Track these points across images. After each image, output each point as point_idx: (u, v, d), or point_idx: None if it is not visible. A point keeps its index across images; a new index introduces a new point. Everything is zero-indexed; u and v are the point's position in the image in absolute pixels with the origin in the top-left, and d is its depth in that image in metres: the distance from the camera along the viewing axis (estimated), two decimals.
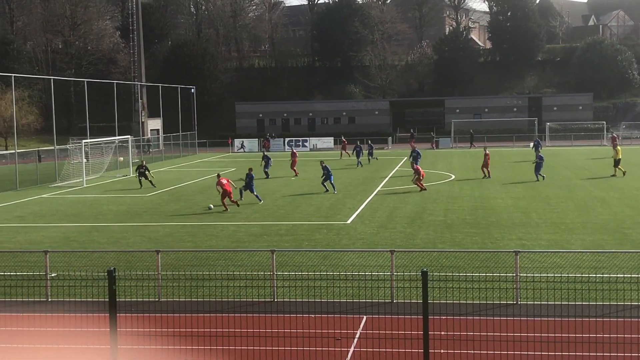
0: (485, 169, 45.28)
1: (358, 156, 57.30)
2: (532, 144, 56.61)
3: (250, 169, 36.62)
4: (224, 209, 32.58)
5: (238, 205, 33.67)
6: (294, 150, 52.49)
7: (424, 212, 30.71)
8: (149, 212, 33.23)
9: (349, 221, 28.92)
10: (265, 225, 28.42)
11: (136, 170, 44.66)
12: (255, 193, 35.41)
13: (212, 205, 33.92)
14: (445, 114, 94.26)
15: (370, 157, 60.02)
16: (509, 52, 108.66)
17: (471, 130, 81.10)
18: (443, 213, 30.42)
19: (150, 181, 44.13)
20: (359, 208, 32.58)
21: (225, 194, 32.71)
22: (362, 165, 55.65)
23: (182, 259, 21.14)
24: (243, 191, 35.79)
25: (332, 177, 39.81)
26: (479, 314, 14.91)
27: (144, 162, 45.51)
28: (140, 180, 43.80)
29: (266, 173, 48.31)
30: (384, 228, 26.96)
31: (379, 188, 40.61)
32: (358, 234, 25.93)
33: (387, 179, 45.87)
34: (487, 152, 45.83)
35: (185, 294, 17.13)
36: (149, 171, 44.46)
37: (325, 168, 39.94)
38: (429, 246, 23.12)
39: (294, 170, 49.85)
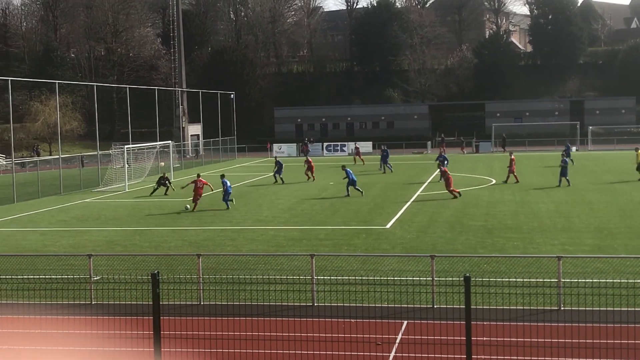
0: (512, 174, 45.14)
1: (385, 161, 54.77)
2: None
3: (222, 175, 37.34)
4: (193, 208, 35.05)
5: (191, 209, 35.18)
6: (309, 158, 51.65)
7: (464, 217, 30.47)
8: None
9: (388, 226, 28.81)
10: (305, 230, 28.44)
11: (158, 181, 44.86)
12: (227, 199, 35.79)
13: (188, 206, 35.65)
14: (485, 117, 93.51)
15: (383, 164, 54.90)
16: (550, 56, 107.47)
17: (503, 135, 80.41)
18: (484, 218, 30.15)
19: (166, 190, 43.68)
20: (398, 213, 32.44)
21: (196, 194, 35.18)
22: (392, 170, 54.22)
23: (222, 262, 21.26)
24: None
25: (355, 181, 39.99)
26: (522, 320, 14.74)
27: (166, 174, 45.71)
28: (155, 188, 43.47)
29: (281, 179, 48.29)
30: (423, 233, 26.80)
31: (418, 193, 40.40)
32: (397, 238, 25.81)
33: (426, 183, 45.63)
34: (513, 156, 45.77)
35: (225, 297, 17.21)
36: (170, 183, 44.20)
37: (346, 172, 40.31)
38: (469, 251, 22.93)
39: (309, 175, 49.22)
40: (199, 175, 36.63)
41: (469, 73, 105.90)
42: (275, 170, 48.62)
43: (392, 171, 54.24)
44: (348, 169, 40.92)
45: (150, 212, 35.33)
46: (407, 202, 36.31)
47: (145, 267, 20.46)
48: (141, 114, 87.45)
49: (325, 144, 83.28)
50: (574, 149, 72.49)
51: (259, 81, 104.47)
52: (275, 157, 53.33)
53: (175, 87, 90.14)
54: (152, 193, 43.16)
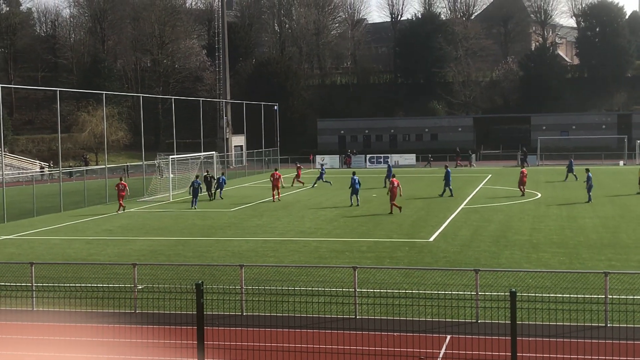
0: (521, 187, 45.22)
1: (389, 175, 52.83)
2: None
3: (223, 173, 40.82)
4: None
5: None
6: (298, 165, 52.64)
7: (509, 231, 30.15)
8: (232, 227, 33.67)
9: (431, 239, 28.63)
10: (347, 242, 28.39)
11: (206, 181, 47.52)
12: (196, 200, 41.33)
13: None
14: (531, 131, 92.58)
15: (387, 180, 52.69)
16: (597, 69, 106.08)
17: (524, 149, 79.52)
18: (529, 232, 29.79)
19: (208, 190, 46.69)
20: (441, 226, 32.22)
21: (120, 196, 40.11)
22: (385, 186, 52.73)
23: (264, 273, 21.32)
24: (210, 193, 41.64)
25: (358, 190, 40.61)
26: (568, 336, 14.50)
27: (209, 172, 48.89)
28: (211, 192, 46.65)
29: (327, 182, 51.93)
30: (467, 247, 26.57)
31: (462, 206, 40.10)
32: (441, 252, 25.63)
33: (470, 196, 45.27)
34: (524, 170, 45.95)
35: (268, 308, 17.24)
36: (212, 182, 46.94)
37: (352, 180, 40.64)
38: (514, 266, 22.66)
39: (297, 181, 50.69)
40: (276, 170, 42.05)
41: (514, 85, 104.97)
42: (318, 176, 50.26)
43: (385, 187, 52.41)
44: (355, 177, 41.19)
45: (193, 222, 35.62)
46: (450, 215, 36.05)
47: (189, 277, 20.62)
48: (186, 125, 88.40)
49: (368, 156, 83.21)
50: (621, 163, 71.35)
51: (302, 93, 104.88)
52: (322, 165, 54.46)
53: (219, 99, 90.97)
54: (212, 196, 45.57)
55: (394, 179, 38.97)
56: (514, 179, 57.77)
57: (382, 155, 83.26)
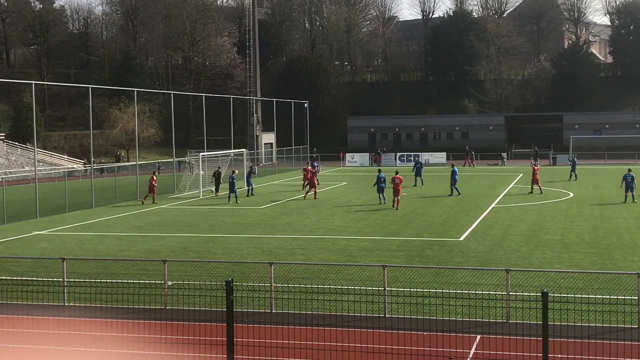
0: (535, 185, 45.47)
1: (418, 174, 53.01)
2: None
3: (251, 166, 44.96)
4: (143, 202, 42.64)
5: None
6: (309, 168, 48.57)
7: (541, 231, 29.90)
8: (262, 224, 33.78)
9: (461, 238, 28.50)
10: (376, 240, 28.36)
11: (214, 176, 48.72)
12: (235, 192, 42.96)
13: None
14: (563, 129, 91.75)
15: (417, 177, 53.27)
16: (631, 67, 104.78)
17: (535, 148, 78.61)
18: (560, 232, 29.52)
19: (216, 187, 47.69)
20: (472, 225, 32.06)
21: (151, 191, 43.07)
22: (423, 184, 52.63)
23: (294, 271, 21.35)
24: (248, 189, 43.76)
25: (384, 188, 40.68)
26: (601, 338, 14.35)
27: (220, 168, 49.68)
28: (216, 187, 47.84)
29: (421, 180, 52.71)
30: (498, 246, 26.41)
31: (493, 205, 39.85)
32: (471, 251, 25.49)
33: (501, 195, 44.98)
34: (536, 167, 46.11)
35: (297, 306, 17.27)
36: (219, 183, 47.91)
37: (377, 178, 40.73)
38: (545, 266, 22.47)
39: (309, 193, 46.13)
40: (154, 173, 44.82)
41: (546, 84, 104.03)
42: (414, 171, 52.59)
43: (423, 184, 52.39)
44: (381, 174, 41.20)
45: (223, 219, 35.79)
46: (481, 214, 35.85)
47: (218, 274, 20.71)
48: (216, 122, 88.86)
49: (398, 154, 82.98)
50: None
51: (332, 90, 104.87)
52: (417, 159, 55.09)
53: (249, 96, 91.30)
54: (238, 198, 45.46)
55: (398, 175, 39.88)
56: (546, 178, 57.23)
57: (412, 153, 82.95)
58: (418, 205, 40.64)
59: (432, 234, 29.73)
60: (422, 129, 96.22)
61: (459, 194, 45.25)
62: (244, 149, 59.09)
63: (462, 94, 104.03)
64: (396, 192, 39.31)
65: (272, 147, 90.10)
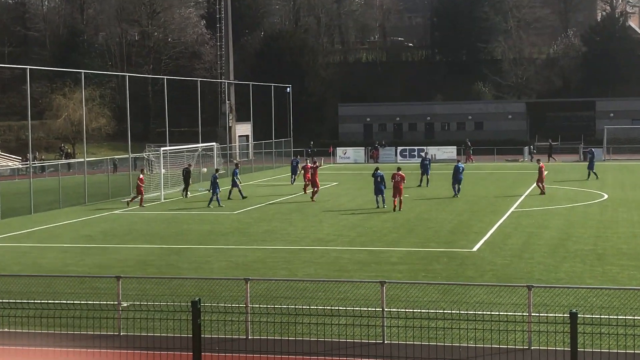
0: (540, 184, 46.03)
1: (425, 171, 53.11)
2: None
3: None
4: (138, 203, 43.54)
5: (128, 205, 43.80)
6: (310, 165, 48.71)
7: (569, 239, 30.02)
8: (236, 232, 33.74)
9: (475, 248, 28.57)
10: (374, 252, 28.38)
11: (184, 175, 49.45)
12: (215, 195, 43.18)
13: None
14: (596, 118, 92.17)
15: (424, 175, 53.52)
16: None
17: (550, 141, 78.95)
18: (593, 241, 29.65)
19: (185, 193, 48.51)
20: (487, 232, 32.14)
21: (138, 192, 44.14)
22: (428, 183, 52.64)
23: (274, 289, 21.34)
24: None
25: (383, 188, 40.59)
26: None
27: (191, 166, 50.35)
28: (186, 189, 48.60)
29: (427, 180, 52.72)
30: (518, 258, 26.49)
31: (512, 209, 39.98)
32: (487, 264, 25.57)
33: (522, 197, 45.14)
34: (542, 164, 46.76)
35: (278, 331, 17.27)
36: (189, 182, 48.73)
37: (375, 176, 40.76)
38: (575, 281, 22.56)
39: (309, 190, 47.15)
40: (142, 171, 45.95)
41: (576, 64, 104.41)
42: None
43: (428, 185, 52.51)
44: (379, 172, 41.19)
45: (189, 227, 35.73)
46: (498, 220, 35.95)
47: (184, 293, 20.68)
48: (181, 111, 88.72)
49: (399, 149, 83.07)
50: None
51: (320, 72, 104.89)
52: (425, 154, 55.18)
53: (221, 79, 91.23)
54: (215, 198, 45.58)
55: (400, 172, 40.47)
56: (575, 176, 57.48)
57: (415, 147, 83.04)
58: (423, 209, 40.70)
59: (440, 244, 29.78)
60: (428, 118, 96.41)
61: (455, 194, 45.47)
62: (214, 143, 59.05)
63: (476, 76, 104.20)
64: (397, 192, 39.64)
65: (248, 141, 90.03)
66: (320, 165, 48.66)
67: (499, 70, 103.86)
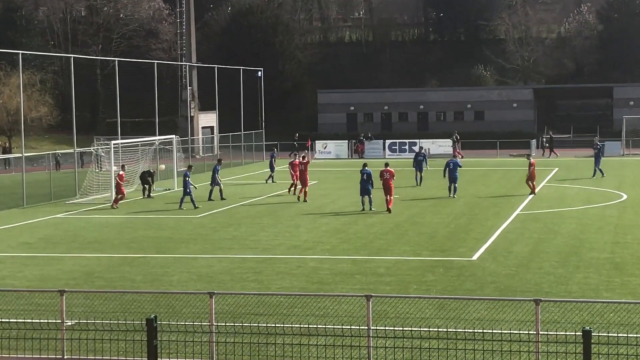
0: (530, 183, 46.35)
1: (419, 168, 53.19)
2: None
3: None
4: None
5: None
6: (298, 160, 48.11)
7: (583, 246, 30.15)
8: (199, 239, 33.69)
9: (474, 257, 28.63)
10: (358, 261, 28.40)
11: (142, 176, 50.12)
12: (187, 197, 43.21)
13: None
14: (613, 107, 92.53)
15: (418, 172, 53.52)
16: None
17: (550, 133, 79.34)
18: (610, 248, 29.79)
19: (149, 193, 49.08)
20: (489, 238, 32.23)
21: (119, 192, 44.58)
22: (420, 182, 52.81)
23: (244, 305, 21.30)
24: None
25: (370, 188, 40.59)
26: None
27: (153, 170, 51.26)
28: (144, 188, 49.28)
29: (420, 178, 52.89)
30: (525, 267, 26.58)
31: (517, 211, 40.11)
32: (488, 275, 25.63)
33: (528, 198, 45.28)
34: (532, 160, 47.01)
35: (247, 353, 17.23)
36: (151, 178, 49.71)
37: (362, 174, 40.90)
38: (589, 295, 22.65)
39: (297, 192, 46.62)
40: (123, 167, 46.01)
41: (590, 45, 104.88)
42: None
43: (420, 183, 52.64)
44: (367, 169, 41.31)
45: (145, 233, 35.61)
46: (501, 224, 36.05)
47: (138, 310, 20.60)
48: (135, 98, 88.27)
49: (387, 142, 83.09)
50: None
51: (297, 54, 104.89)
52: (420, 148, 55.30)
53: (181, 61, 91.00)
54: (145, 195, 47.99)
55: (388, 168, 41.08)
56: (589, 173, 57.70)
57: (407, 141, 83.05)
58: (415, 211, 40.76)
59: (435, 252, 29.83)
60: (421, 107, 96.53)
61: (451, 195, 45.66)
62: (173, 136, 58.84)
63: (476, 58, 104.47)
64: (387, 190, 40.02)
65: (212, 133, 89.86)
66: (310, 162, 48.69)
67: (502, 51, 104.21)
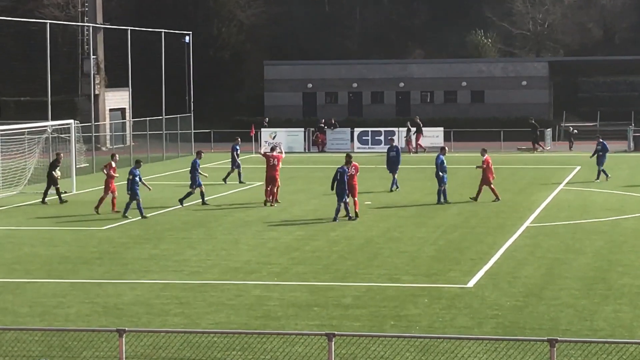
0: (485, 186, 46.73)
1: (392, 168, 53.05)
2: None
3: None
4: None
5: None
6: (275, 154, 48.29)
7: (611, 269, 30.38)
8: (105, 258, 33.56)
9: (470, 283, 28.76)
10: (318, 289, 28.46)
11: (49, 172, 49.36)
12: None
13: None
14: None
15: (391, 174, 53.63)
16: None
17: (532, 120, 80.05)
18: None
19: (57, 189, 48.69)
20: (490, 259, 32.37)
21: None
22: (397, 187, 52.53)
23: (165, 346, 21.27)
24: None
25: (346, 191, 41.06)
26: None
27: (62, 155, 50.66)
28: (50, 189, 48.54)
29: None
30: (537, 297, 26.72)
31: (527, 223, 40.30)
32: (487, 307, 25.75)
33: (541, 206, 45.51)
34: (487, 155, 47.56)
35: None
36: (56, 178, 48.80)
37: (339, 174, 41.29)
38: (619, 333, 22.83)
39: (271, 195, 47.05)
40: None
41: (623, 4, 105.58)
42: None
43: (397, 188, 52.36)
44: (343, 168, 41.59)
45: (33, 250, 35.42)
46: (506, 240, 36.21)
47: (23, 353, 20.52)
48: (19, 70, 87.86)
49: (357, 131, 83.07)
50: None
51: (237, 13, 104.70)
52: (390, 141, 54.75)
53: (83, 21, 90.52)
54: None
55: (353, 163, 41.98)
56: (620, 174, 58.05)
57: (382, 129, 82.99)
58: (393, 223, 40.84)
59: (418, 277, 29.94)
60: (401, 84, 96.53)
61: (440, 201, 46.07)
62: (71, 120, 58.47)
63: (472, 21, 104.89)
64: (352, 189, 41.09)
65: (124, 117, 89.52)
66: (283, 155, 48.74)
67: (508, 12, 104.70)
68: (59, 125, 58.15)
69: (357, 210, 41.09)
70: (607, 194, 49.71)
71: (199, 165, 47.13)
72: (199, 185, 46.72)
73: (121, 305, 26.48)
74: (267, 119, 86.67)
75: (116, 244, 36.69)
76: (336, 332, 17.26)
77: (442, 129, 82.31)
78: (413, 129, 78.94)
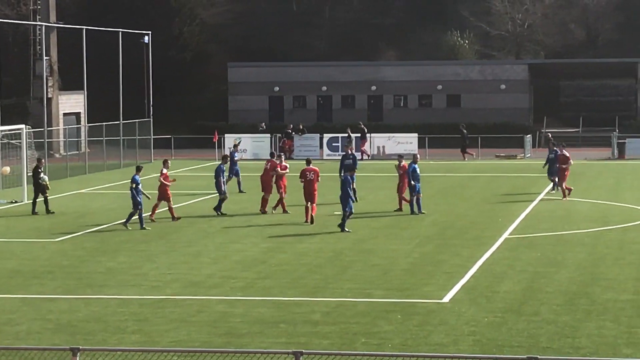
0: (404, 199, 47.07)
1: (346, 185, 53.04)
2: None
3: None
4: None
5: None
6: (280, 162, 49.09)
7: (594, 284, 30.46)
8: (58, 272, 33.46)
9: (446, 298, 28.79)
10: (284, 304, 28.44)
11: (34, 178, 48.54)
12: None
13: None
14: (637, 90, 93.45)
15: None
16: None
17: (462, 126, 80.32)
18: (632, 285, 30.16)
19: (45, 198, 47.71)
20: (466, 272, 32.42)
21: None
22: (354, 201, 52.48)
23: None
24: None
25: (351, 201, 41.82)
26: None
27: (43, 160, 50.01)
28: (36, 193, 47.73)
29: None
30: (516, 313, 26.79)
31: (506, 234, 40.39)
32: (464, 323, 25.78)
33: (521, 217, 45.63)
34: (404, 162, 48.11)
35: None
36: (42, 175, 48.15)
37: (344, 182, 41.80)
38: (603, 351, 22.87)
39: (279, 206, 47.49)
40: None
41: (608, 4, 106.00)
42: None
43: (356, 200, 52.14)
44: (347, 176, 42.30)
45: None
46: (484, 252, 36.27)
47: None
48: None
49: (326, 137, 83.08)
50: None
51: (199, 12, 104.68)
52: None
53: (35, 20, 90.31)
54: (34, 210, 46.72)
55: (311, 166, 43.34)
56: (604, 182, 58.25)
57: (354, 135, 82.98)
58: (364, 234, 40.83)
59: (390, 291, 29.95)
60: (373, 87, 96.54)
61: (414, 212, 46.10)
62: (22, 125, 58.32)
63: (448, 22, 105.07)
64: (310, 195, 42.35)
65: (79, 122, 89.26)
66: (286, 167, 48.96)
67: (486, 12, 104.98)
68: (9, 130, 57.99)
69: (313, 215, 41.95)
70: (590, 204, 49.88)
71: (224, 172, 47.35)
72: (223, 192, 47.28)
73: (75, 322, 26.40)
74: (263, 123, 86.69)
75: (70, 257, 36.57)
76: (304, 350, 17.24)
77: (416, 135, 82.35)
78: (354, 135, 78.76)
